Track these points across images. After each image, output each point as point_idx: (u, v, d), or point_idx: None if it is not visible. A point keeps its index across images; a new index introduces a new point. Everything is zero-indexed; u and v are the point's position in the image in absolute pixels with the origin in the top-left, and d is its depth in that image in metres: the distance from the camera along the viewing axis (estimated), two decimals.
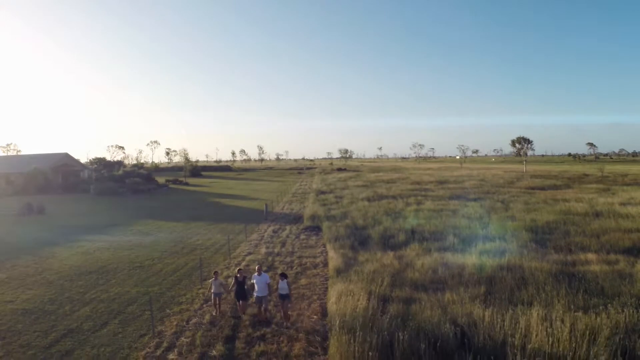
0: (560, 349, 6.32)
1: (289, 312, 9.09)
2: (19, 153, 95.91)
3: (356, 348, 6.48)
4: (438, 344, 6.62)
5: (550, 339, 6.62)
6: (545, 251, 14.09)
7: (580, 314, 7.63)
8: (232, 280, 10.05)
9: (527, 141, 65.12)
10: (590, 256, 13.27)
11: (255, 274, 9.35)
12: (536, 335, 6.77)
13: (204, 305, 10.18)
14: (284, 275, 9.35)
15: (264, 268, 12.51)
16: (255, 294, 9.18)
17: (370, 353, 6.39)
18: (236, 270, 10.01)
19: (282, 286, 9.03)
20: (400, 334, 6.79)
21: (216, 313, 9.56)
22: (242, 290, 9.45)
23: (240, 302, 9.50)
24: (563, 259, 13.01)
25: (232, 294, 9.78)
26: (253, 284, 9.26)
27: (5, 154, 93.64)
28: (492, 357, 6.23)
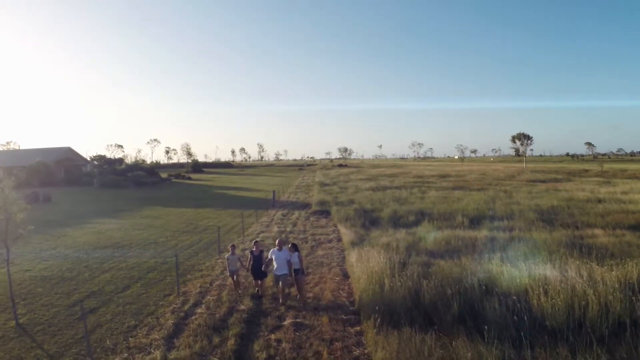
0: (581, 292, 6.55)
1: (304, 290, 8.12)
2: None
3: (385, 295, 6.68)
4: (462, 291, 6.83)
5: (568, 285, 6.85)
6: (553, 228, 14.37)
7: (595, 266, 7.87)
8: (249, 254, 8.82)
9: (527, 137, 65.55)
10: (597, 231, 13.60)
11: (275, 248, 8.28)
12: (556, 285, 6.99)
13: (225, 271, 10.34)
14: (294, 247, 8.26)
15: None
16: (273, 272, 8.20)
17: (398, 300, 6.59)
18: (252, 244, 8.88)
19: (293, 259, 8.02)
20: (425, 282, 7.00)
21: (235, 292, 8.60)
22: (260, 267, 8.27)
23: (259, 281, 8.41)
24: (571, 233, 13.30)
25: (249, 271, 8.61)
26: (271, 258, 8.23)
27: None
28: (517, 300, 6.43)
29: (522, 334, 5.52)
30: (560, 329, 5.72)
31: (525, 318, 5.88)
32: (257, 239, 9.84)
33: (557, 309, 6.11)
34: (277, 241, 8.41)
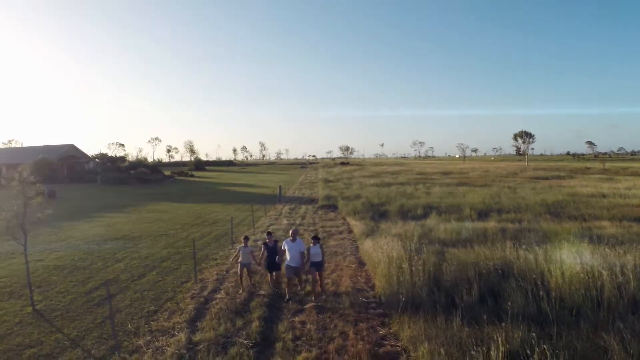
0: (596, 273, 6.63)
1: (324, 283, 7.76)
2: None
3: (405, 277, 6.74)
4: (481, 274, 6.91)
5: (583, 267, 6.93)
6: (560, 220, 14.47)
7: (608, 250, 7.96)
8: (261, 246, 8.30)
9: (529, 135, 65.53)
10: (605, 223, 13.71)
11: (288, 239, 7.83)
12: (572, 266, 7.06)
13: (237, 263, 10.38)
14: (316, 239, 7.82)
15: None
16: (286, 263, 7.67)
17: (419, 282, 6.67)
18: (265, 235, 8.29)
19: (315, 251, 7.59)
20: (445, 264, 7.08)
21: (242, 289, 7.91)
22: (275, 260, 7.82)
23: (273, 273, 7.93)
24: (579, 225, 13.39)
25: (263, 264, 8.18)
26: (284, 250, 7.75)
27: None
28: (535, 281, 6.50)
29: (544, 312, 5.61)
30: (579, 308, 5.81)
31: (545, 297, 5.97)
32: (270, 231, 9.09)
33: (575, 288, 6.20)
34: (290, 232, 7.91)
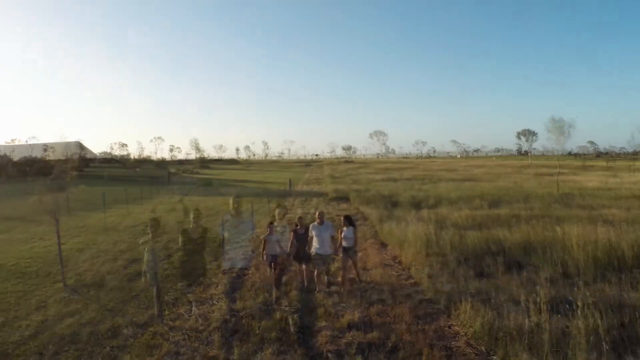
0: (616, 243, 6.91)
1: (359, 271, 6.95)
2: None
3: (432, 250, 7.01)
4: (505, 248, 7.18)
5: (603, 238, 7.20)
6: (570, 208, 14.73)
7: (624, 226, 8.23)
8: (291, 235, 6.93)
9: (532, 133, 66.01)
10: (614, 211, 13.98)
11: (315, 222, 6.76)
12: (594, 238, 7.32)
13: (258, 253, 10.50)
14: (349, 220, 6.85)
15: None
16: (313, 251, 6.63)
17: (447, 254, 6.93)
18: (296, 219, 7.20)
19: (348, 235, 6.69)
20: (470, 240, 7.34)
21: (275, 281, 6.82)
22: (305, 250, 6.78)
23: (303, 266, 6.92)
24: (589, 212, 13.67)
25: (292, 255, 6.98)
26: (311, 236, 6.71)
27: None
28: (559, 251, 6.77)
29: (570, 275, 5.88)
30: (602, 272, 6.09)
31: (569, 264, 6.24)
32: (301, 215, 7.88)
33: (598, 256, 6.49)
34: (317, 213, 6.87)
